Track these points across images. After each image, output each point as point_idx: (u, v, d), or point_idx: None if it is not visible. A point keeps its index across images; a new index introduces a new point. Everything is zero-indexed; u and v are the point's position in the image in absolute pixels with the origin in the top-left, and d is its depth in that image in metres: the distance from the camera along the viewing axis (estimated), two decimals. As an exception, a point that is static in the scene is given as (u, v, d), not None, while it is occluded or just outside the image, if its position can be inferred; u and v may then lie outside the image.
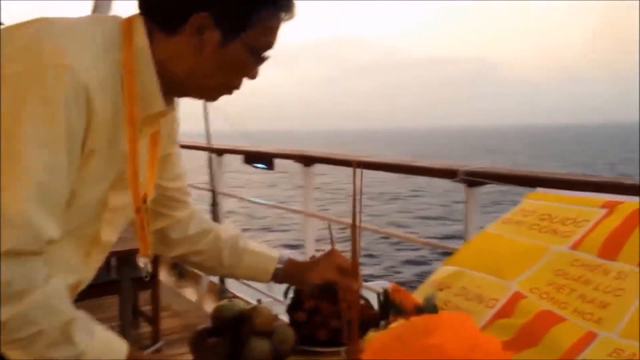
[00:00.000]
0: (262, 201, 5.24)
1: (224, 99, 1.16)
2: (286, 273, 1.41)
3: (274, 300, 3.18)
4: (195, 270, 4.06)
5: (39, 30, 0.95)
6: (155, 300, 3.40)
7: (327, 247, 1.37)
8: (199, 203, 1.42)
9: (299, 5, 1.08)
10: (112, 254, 1.89)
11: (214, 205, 4.19)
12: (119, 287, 2.97)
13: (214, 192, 4.22)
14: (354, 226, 1.19)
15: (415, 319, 1.08)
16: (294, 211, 4.76)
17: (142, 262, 1.21)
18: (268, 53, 1.09)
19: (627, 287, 1.25)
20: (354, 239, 1.22)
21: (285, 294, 1.45)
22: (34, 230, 0.90)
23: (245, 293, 3.58)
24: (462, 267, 1.50)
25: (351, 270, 1.29)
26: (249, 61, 1.08)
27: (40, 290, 0.91)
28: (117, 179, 1.08)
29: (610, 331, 1.18)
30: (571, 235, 1.45)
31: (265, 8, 1.04)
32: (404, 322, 1.10)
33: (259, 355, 1.26)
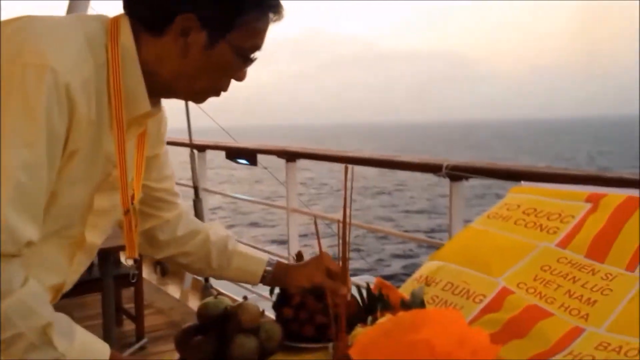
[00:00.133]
0: (245, 197, 5.22)
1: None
2: (275, 276, 1.41)
3: (260, 297, 3.17)
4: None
5: (20, 29, 0.93)
6: (138, 297, 3.38)
7: (312, 243, 1.36)
8: (181, 199, 1.41)
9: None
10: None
11: (197, 201, 4.17)
12: (102, 285, 2.95)
13: (196, 189, 4.20)
14: (344, 229, 1.20)
15: (403, 315, 1.08)
16: (277, 207, 4.75)
17: (129, 263, 1.20)
18: (255, 55, 1.08)
19: (615, 287, 1.26)
20: (344, 242, 1.22)
21: (271, 291, 1.44)
22: (12, 233, 0.88)
23: (230, 290, 3.58)
24: (448, 262, 1.51)
25: (340, 274, 1.29)
26: (235, 63, 1.06)
27: (18, 293, 0.90)
28: (102, 181, 1.07)
29: (597, 327, 1.19)
30: (557, 231, 1.46)
31: (252, 9, 1.02)
32: (392, 318, 1.10)
33: (245, 352, 1.25)
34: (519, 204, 1.61)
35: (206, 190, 4.54)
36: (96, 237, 1.14)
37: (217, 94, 1.11)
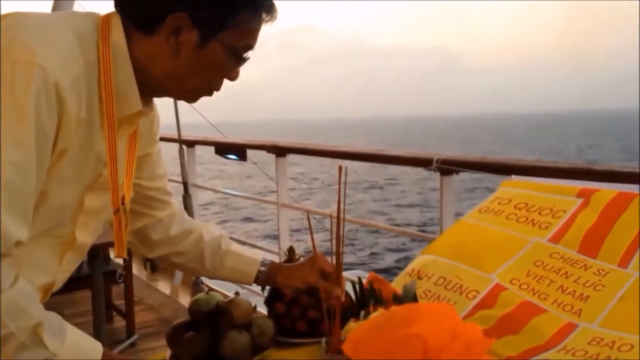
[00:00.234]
0: (235, 192, 5.21)
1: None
2: (269, 276, 1.40)
3: (252, 293, 3.16)
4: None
5: (10, 26, 0.92)
6: (128, 294, 3.37)
7: (305, 238, 1.36)
8: (174, 198, 1.40)
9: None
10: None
11: (186, 197, 4.15)
12: (91, 281, 2.93)
13: (185, 184, 4.18)
14: (337, 231, 1.20)
15: (395, 309, 1.08)
16: (267, 202, 4.74)
17: (117, 262, 1.19)
18: (248, 54, 1.07)
19: (607, 283, 1.27)
20: (337, 242, 1.22)
21: (263, 287, 1.44)
22: (1, 232, 0.87)
23: (221, 286, 3.56)
24: (440, 256, 1.50)
25: (334, 276, 1.29)
26: (228, 62, 1.05)
27: (8, 292, 0.89)
28: (94, 181, 1.06)
29: (590, 322, 1.20)
30: (549, 227, 1.46)
31: (245, 9, 1.01)
32: (384, 312, 1.10)
33: (237, 348, 1.24)
34: (511, 198, 1.61)
35: (196, 185, 4.52)
36: (87, 237, 1.13)
37: (210, 93, 1.11)
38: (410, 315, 1.00)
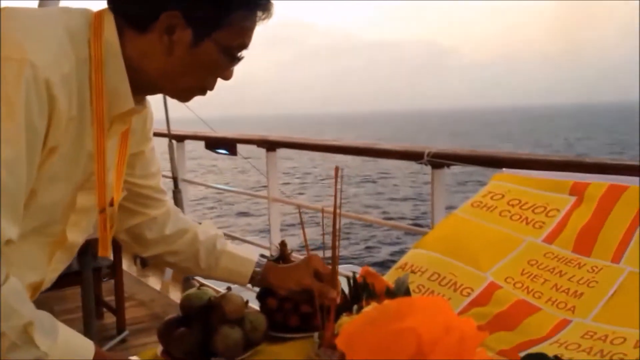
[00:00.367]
0: (225, 187, 5.19)
1: None
2: (264, 277, 1.39)
3: (244, 288, 3.15)
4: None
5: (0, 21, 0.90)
6: (118, 290, 3.36)
7: (298, 232, 1.35)
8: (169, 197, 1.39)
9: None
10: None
11: (176, 192, 4.13)
12: (81, 278, 2.92)
13: (175, 179, 4.16)
14: (333, 234, 1.20)
15: (388, 303, 1.07)
16: (258, 196, 4.73)
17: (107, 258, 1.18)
18: (243, 53, 1.05)
19: (600, 279, 1.28)
20: (333, 244, 1.22)
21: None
22: None
23: (213, 281, 3.55)
24: (433, 251, 1.50)
25: (329, 277, 1.28)
26: (222, 62, 1.04)
27: None
28: (86, 180, 1.04)
29: (584, 318, 1.20)
30: (543, 226, 1.47)
31: (239, 8, 1.00)
32: (377, 306, 1.09)
33: (230, 344, 1.24)
34: (503, 194, 1.60)
35: (186, 181, 4.51)
36: (77, 236, 1.12)
37: (203, 92, 1.09)
38: (404, 309, 1.00)
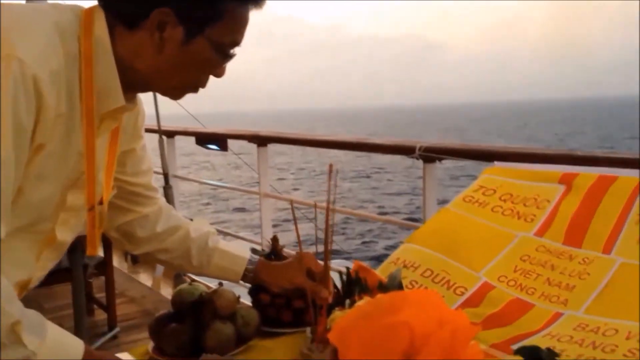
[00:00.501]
0: (217, 183, 5.17)
1: None
2: (256, 275, 1.38)
3: (235, 283, 3.14)
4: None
5: None
6: (109, 286, 3.34)
7: (291, 227, 1.35)
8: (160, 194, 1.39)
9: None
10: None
11: (167, 188, 4.11)
12: (71, 274, 2.90)
13: (166, 175, 4.14)
14: (326, 235, 1.19)
15: (381, 297, 1.07)
16: (249, 192, 4.72)
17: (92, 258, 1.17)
18: (235, 50, 1.04)
19: (592, 271, 1.28)
20: (325, 242, 1.21)
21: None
22: None
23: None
24: (426, 247, 1.49)
25: (322, 276, 1.28)
26: (214, 59, 1.02)
27: None
28: (76, 179, 1.03)
29: (576, 310, 1.21)
30: (534, 219, 1.47)
31: (231, 3, 0.99)
32: (370, 300, 1.09)
33: (222, 339, 1.23)
34: (495, 189, 1.60)
35: (177, 177, 4.49)
36: (66, 235, 1.11)
37: (195, 90, 1.08)
38: (397, 303, 1.00)
